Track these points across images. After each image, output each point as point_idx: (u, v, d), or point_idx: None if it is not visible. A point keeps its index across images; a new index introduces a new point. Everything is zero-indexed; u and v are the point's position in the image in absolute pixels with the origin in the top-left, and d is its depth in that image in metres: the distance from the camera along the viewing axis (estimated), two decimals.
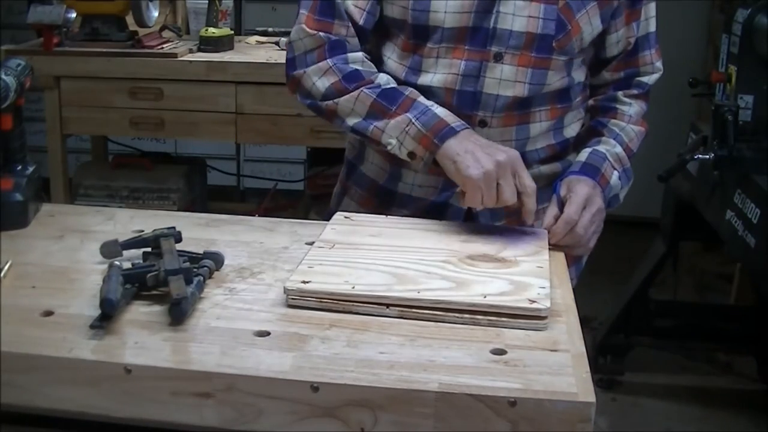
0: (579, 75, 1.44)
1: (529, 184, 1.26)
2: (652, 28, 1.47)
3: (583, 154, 1.44)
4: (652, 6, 1.46)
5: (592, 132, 1.49)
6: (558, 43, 1.35)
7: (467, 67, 1.36)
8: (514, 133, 1.40)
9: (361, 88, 1.37)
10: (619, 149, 1.45)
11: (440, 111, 1.33)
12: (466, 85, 1.37)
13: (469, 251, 1.19)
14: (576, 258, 1.47)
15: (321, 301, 1.04)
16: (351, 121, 1.38)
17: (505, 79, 1.36)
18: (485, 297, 1.04)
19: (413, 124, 1.32)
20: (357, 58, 1.40)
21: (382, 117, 1.34)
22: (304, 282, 1.06)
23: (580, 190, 1.33)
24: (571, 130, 1.48)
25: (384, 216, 1.37)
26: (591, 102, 1.53)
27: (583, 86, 1.49)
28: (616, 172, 1.43)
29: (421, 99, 1.35)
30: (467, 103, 1.38)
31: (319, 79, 1.40)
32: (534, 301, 1.03)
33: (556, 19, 1.34)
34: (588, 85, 1.51)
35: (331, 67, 1.39)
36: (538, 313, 1.01)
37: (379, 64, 1.44)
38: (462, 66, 1.37)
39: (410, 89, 1.38)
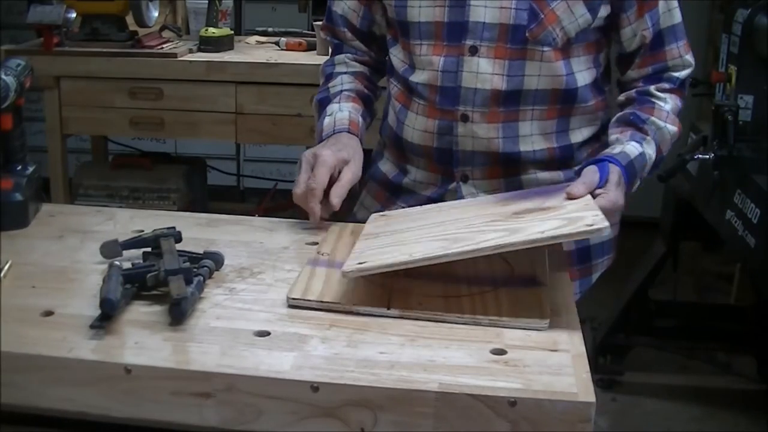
0: (585, 76, 1.41)
1: (311, 182, 1.27)
2: (677, 19, 1.40)
3: (633, 149, 1.35)
4: None
5: (630, 124, 1.40)
6: (531, 33, 1.33)
7: (446, 63, 1.38)
8: (500, 130, 1.39)
9: (317, 94, 1.52)
10: (654, 156, 1.39)
11: (326, 121, 1.43)
12: (446, 81, 1.39)
13: (511, 211, 1.20)
14: (585, 272, 1.47)
15: (321, 302, 1.04)
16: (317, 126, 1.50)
17: (482, 72, 1.36)
18: (543, 233, 1.04)
19: (314, 134, 1.45)
20: (340, 60, 1.55)
21: (317, 122, 1.48)
22: (360, 263, 1.06)
23: (613, 199, 1.25)
24: (580, 135, 1.44)
25: (418, 207, 1.39)
26: (621, 97, 1.46)
27: (597, 91, 1.44)
28: (638, 181, 1.38)
29: (330, 107, 1.46)
30: (448, 98, 1.39)
31: (319, 80, 1.56)
32: (592, 225, 1.03)
33: (528, 8, 1.33)
34: (609, 91, 1.48)
35: (322, 69, 1.56)
36: (600, 234, 1.02)
37: (391, 63, 1.52)
38: (441, 62, 1.38)
39: (342, 93, 1.48)
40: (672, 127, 1.41)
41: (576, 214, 1.11)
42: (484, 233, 1.10)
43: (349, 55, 1.53)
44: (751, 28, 2.20)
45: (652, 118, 1.40)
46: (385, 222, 1.29)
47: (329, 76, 1.52)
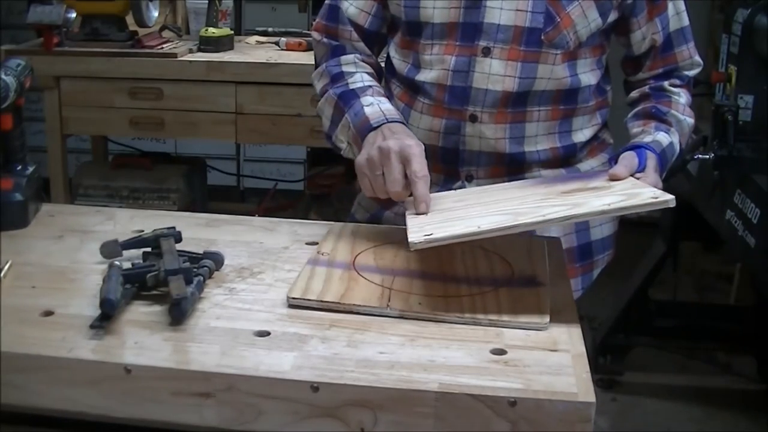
0: (590, 77, 1.42)
1: (418, 169, 1.19)
2: (686, 22, 1.44)
3: (663, 139, 1.38)
4: (681, 0, 1.43)
5: (652, 117, 1.43)
6: (547, 36, 1.34)
7: (457, 63, 1.37)
8: (508, 130, 1.39)
9: (329, 90, 1.42)
10: (678, 147, 1.42)
11: (369, 110, 1.33)
12: (456, 81, 1.38)
13: (559, 190, 1.20)
14: (586, 269, 1.48)
15: (321, 302, 1.04)
16: (325, 125, 1.43)
17: (494, 73, 1.36)
18: (609, 205, 1.05)
19: (350, 125, 1.35)
20: (349, 60, 1.45)
21: (339, 119, 1.38)
22: (427, 235, 1.04)
23: (653, 182, 1.26)
24: (582, 135, 1.46)
25: (453, 191, 1.38)
26: (635, 94, 1.49)
27: (599, 91, 1.46)
28: (666, 170, 1.41)
29: (364, 98, 1.36)
30: (458, 98, 1.38)
31: (317, 82, 1.47)
32: (657, 197, 1.04)
33: (545, 11, 1.33)
34: (608, 90, 1.50)
35: (324, 70, 1.46)
36: (666, 205, 1.03)
37: (391, 63, 1.49)
38: (452, 62, 1.37)
39: (372, 88, 1.40)
40: (690, 120, 1.45)
41: (631, 190, 1.13)
42: (545, 208, 1.10)
43: (358, 55, 1.46)
44: (751, 28, 2.20)
45: (672, 111, 1.44)
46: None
47: (339, 75, 1.43)
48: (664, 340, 2.79)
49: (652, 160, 1.31)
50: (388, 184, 1.20)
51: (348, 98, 1.38)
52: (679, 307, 2.92)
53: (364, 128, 1.30)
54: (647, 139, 1.37)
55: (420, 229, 1.09)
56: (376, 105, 1.34)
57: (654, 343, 2.80)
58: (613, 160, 1.31)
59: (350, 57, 1.46)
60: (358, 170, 1.25)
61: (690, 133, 1.47)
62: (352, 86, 1.40)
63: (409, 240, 1.04)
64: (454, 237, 1.04)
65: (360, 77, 1.42)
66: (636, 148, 1.33)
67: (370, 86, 1.40)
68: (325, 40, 1.48)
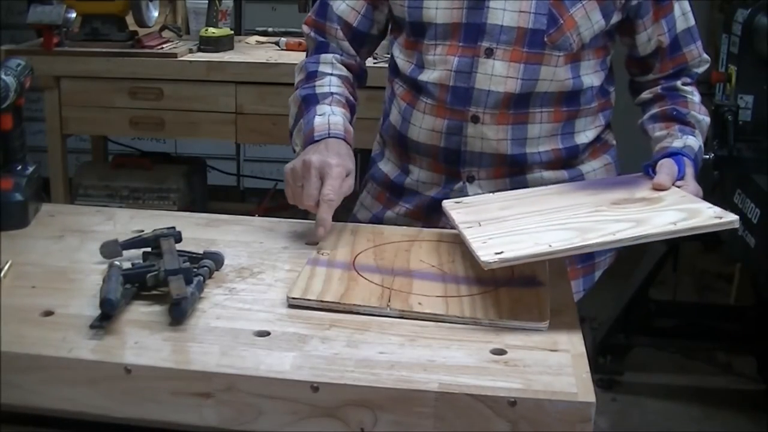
0: (593, 79, 1.42)
1: (326, 192, 1.22)
2: (692, 21, 1.45)
3: (694, 143, 1.39)
4: (686, 1, 1.44)
5: (673, 119, 1.43)
6: (550, 37, 1.34)
7: (460, 63, 1.37)
8: (510, 132, 1.39)
9: (299, 88, 1.45)
10: (703, 150, 1.43)
11: (318, 120, 1.35)
12: (459, 82, 1.38)
13: (607, 200, 1.20)
14: (587, 270, 1.48)
15: (321, 302, 1.04)
16: (290, 122, 1.45)
17: (496, 74, 1.36)
18: (676, 224, 1.06)
19: (301, 132, 1.38)
20: (327, 60, 1.47)
21: (298, 120, 1.41)
22: (497, 253, 1.03)
23: (694, 191, 1.29)
24: (584, 136, 1.45)
25: (491, 194, 1.38)
26: (647, 95, 1.49)
27: (603, 92, 1.46)
28: None
29: (320, 107, 1.38)
30: (460, 99, 1.38)
31: (296, 75, 1.50)
32: (721, 217, 1.05)
33: (548, 13, 1.33)
34: (611, 91, 1.49)
35: (304, 65, 1.49)
36: (731, 225, 1.04)
37: (395, 63, 1.49)
38: (455, 62, 1.38)
39: (333, 96, 1.41)
40: (707, 118, 1.46)
41: (686, 205, 1.14)
42: (606, 224, 1.09)
43: (336, 56, 1.47)
44: (751, 28, 2.21)
45: (692, 112, 1.44)
46: (471, 210, 1.26)
47: (313, 74, 1.45)
48: (664, 340, 2.79)
49: (689, 168, 1.31)
50: (304, 198, 1.24)
51: (309, 102, 1.41)
52: (679, 307, 2.93)
53: (308, 139, 1.34)
54: (677, 144, 1.37)
55: (485, 245, 1.08)
56: (326, 116, 1.36)
57: (654, 343, 2.80)
58: (650, 168, 1.31)
59: (329, 57, 1.47)
60: (285, 177, 1.29)
61: (707, 132, 1.47)
62: (317, 90, 1.42)
63: (481, 259, 1.03)
64: (527, 257, 1.03)
65: (328, 81, 1.44)
66: (672, 155, 1.33)
67: (332, 93, 1.41)
68: (312, 34, 1.51)
